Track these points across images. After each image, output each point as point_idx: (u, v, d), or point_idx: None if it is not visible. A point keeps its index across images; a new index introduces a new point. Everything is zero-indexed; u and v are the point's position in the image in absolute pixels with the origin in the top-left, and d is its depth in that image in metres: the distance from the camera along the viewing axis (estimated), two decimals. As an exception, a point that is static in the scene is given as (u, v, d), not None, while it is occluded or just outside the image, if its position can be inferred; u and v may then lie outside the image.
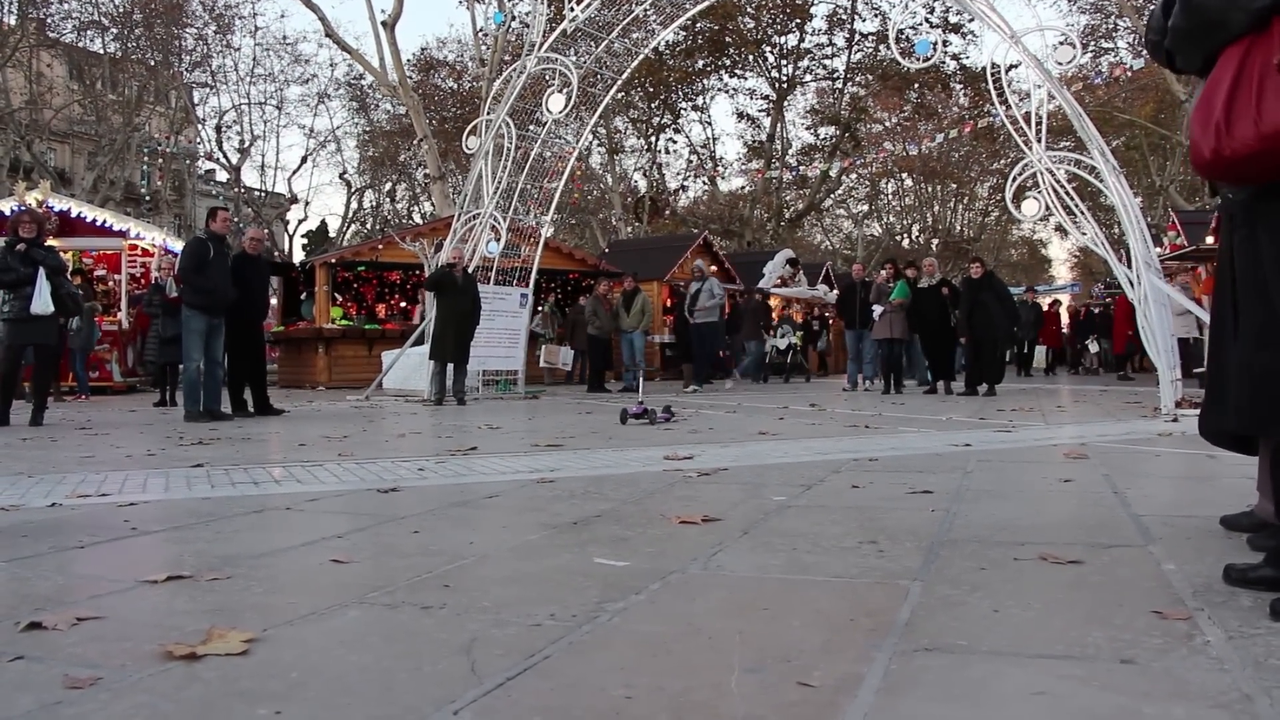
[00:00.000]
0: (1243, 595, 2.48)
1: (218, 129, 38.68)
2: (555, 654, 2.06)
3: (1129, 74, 26.31)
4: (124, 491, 4.63)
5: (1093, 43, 30.74)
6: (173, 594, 2.63)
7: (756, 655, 2.03)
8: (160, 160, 38.09)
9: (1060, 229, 13.10)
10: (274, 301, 21.36)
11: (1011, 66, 12.65)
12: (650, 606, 2.45)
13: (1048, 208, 11.53)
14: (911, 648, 2.08)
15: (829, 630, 2.22)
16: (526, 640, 2.15)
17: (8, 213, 15.06)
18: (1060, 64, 11.90)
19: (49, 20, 32.09)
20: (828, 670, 1.93)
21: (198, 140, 39.07)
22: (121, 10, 32.16)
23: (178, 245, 17.46)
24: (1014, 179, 11.95)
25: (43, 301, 9.03)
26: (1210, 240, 19.51)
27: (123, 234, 18.61)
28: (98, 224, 18.44)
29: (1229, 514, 3.53)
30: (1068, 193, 11.28)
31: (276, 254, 37.61)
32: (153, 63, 33.53)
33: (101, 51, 33.27)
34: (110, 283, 19.11)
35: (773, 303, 27.50)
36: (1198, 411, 3.51)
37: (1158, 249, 17.57)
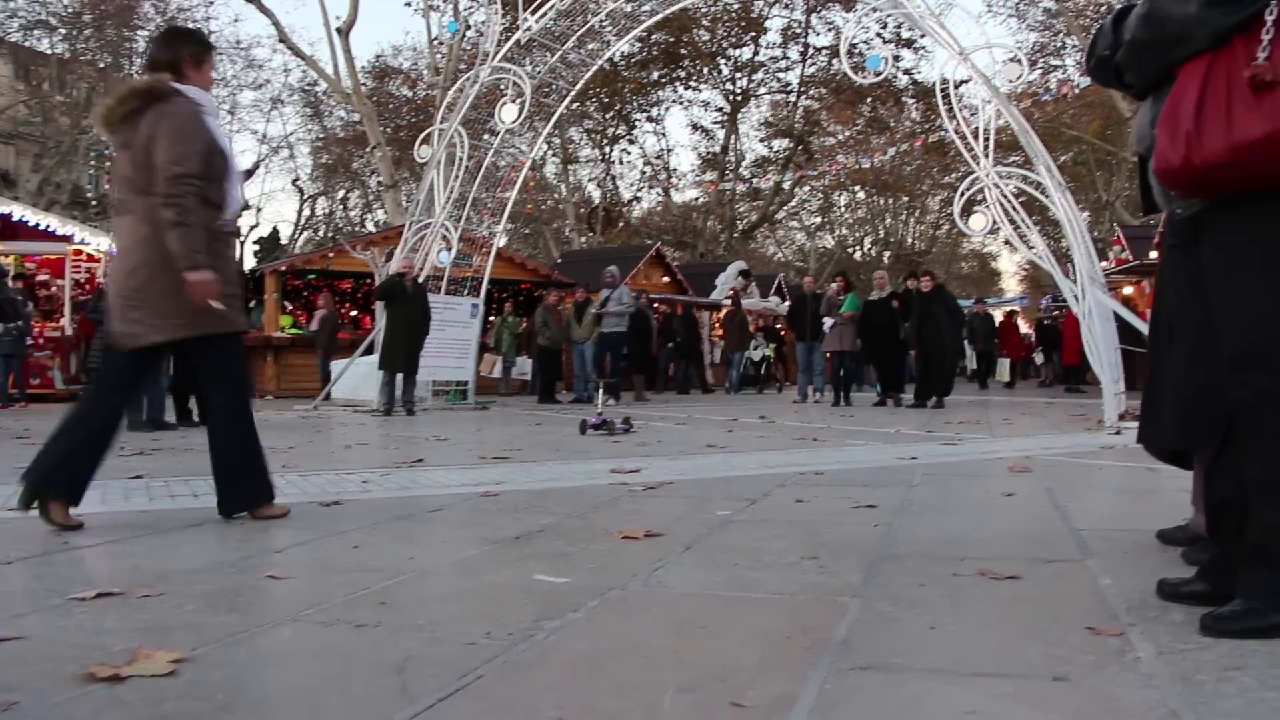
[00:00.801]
0: (1175, 610, 2.51)
1: (168, 133, 38.10)
2: (489, 674, 2.04)
3: (1076, 91, 26.70)
4: (59, 504, 4.54)
5: (1041, 60, 31.18)
6: (101, 612, 2.58)
7: (692, 674, 2.02)
8: (109, 163, 37.53)
9: (1009, 243, 13.29)
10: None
11: (961, 82, 12.78)
12: (588, 624, 2.43)
13: (995, 222, 11.65)
14: (847, 666, 2.07)
15: (766, 648, 2.22)
16: (461, 659, 2.13)
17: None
18: (1010, 81, 12.02)
19: (-8, 20, 31.59)
20: (762, 690, 1.92)
21: (147, 145, 38.49)
22: (70, 11, 31.66)
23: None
24: (962, 194, 12.06)
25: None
26: (1155, 255, 19.83)
27: (67, 239, 18.31)
28: (41, 228, 18.12)
29: (1165, 528, 3.57)
30: (1014, 207, 11.40)
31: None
32: (103, 64, 33.01)
33: (49, 52, 32.71)
34: (53, 288, 18.78)
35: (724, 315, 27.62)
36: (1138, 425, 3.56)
37: (1104, 263, 17.83)
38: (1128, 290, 23.39)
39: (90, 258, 18.91)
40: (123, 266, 4.14)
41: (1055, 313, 28.03)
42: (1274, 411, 2.37)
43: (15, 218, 18.06)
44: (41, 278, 18.62)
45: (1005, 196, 11.39)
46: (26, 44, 32.32)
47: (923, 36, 29.29)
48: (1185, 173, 2.43)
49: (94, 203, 37.43)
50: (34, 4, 30.72)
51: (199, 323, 4.04)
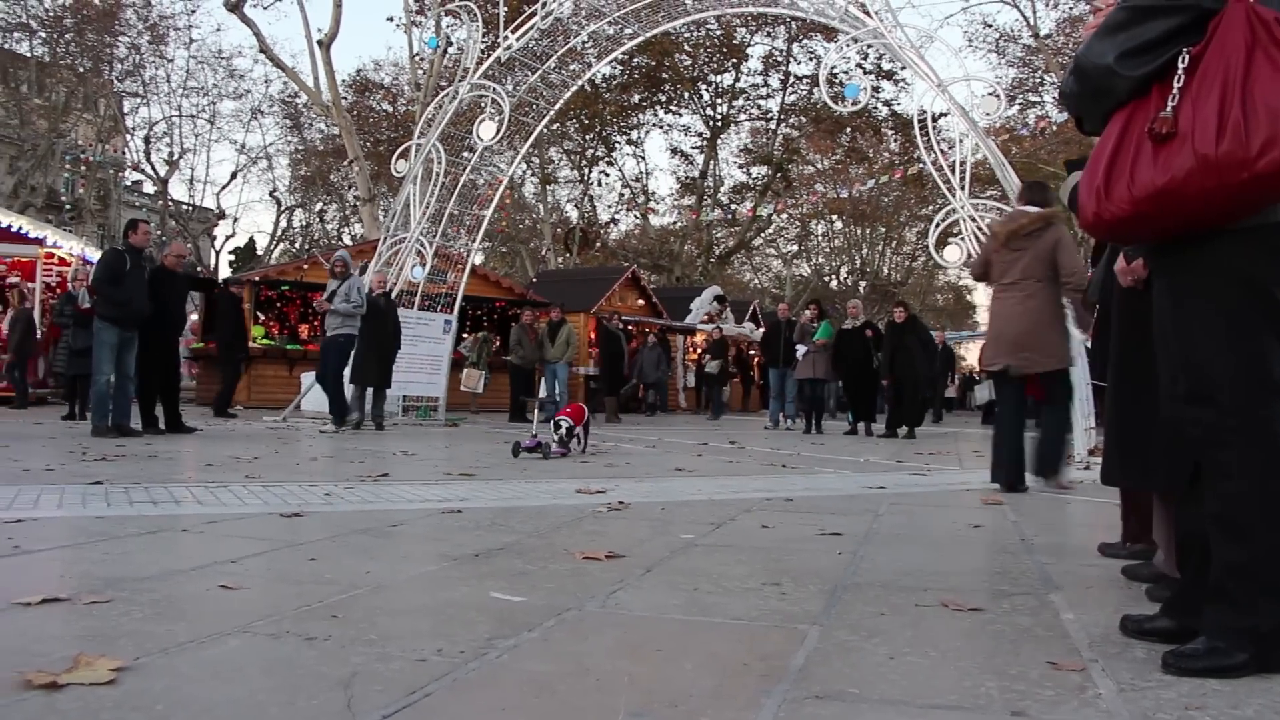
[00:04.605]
0: (1137, 647, 2.49)
1: (146, 140, 37.92)
2: (437, 691, 1.99)
3: (1054, 127, 26.92)
4: (13, 507, 4.46)
5: (1020, 96, 31.44)
6: (45, 617, 2.52)
7: (643, 699, 1.98)
8: (84, 168, 37.27)
9: (983, 276, 13.32)
10: (193, 318, 20.95)
11: (940, 115, 12.86)
12: (542, 644, 2.39)
13: (970, 254, 11.68)
14: (803, 695, 2.04)
15: (721, 675, 2.17)
16: (409, 676, 2.08)
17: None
18: (988, 114, 12.08)
19: (-27, 22, 31.33)
20: (714, 717, 1.88)
21: (125, 150, 38.34)
22: (52, 15, 31.47)
23: (96, 255, 17.04)
24: (938, 224, 12.10)
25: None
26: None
27: (39, 241, 18.13)
28: (13, 230, 17.94)
29: (1130, 564, 3.56)
30: (990, 240, 11.41)
31: (200, 269, 36.93)
32: (82, 69, 32.78)
33: (29, 55, 32.46)
34: (24, 290, 18.58)
35: (698, 339, 27.63)
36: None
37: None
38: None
39: (62, 260, 18.71)
40: (1017, 322, 6.54)
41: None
42: (1220, 448, 2.36)
43: (-13, 220, 17.88)
44: (11, 280, 18.36)
45: (981, 229, 11.42)
46: (6, 46, 32.07)
47: (903, 68, 29.52)
48: (1098, 226, 2.46)
49: (68, 207, 37.13)
50: (14, 6, 30.54)
51: (1059, 359, 6.61)
